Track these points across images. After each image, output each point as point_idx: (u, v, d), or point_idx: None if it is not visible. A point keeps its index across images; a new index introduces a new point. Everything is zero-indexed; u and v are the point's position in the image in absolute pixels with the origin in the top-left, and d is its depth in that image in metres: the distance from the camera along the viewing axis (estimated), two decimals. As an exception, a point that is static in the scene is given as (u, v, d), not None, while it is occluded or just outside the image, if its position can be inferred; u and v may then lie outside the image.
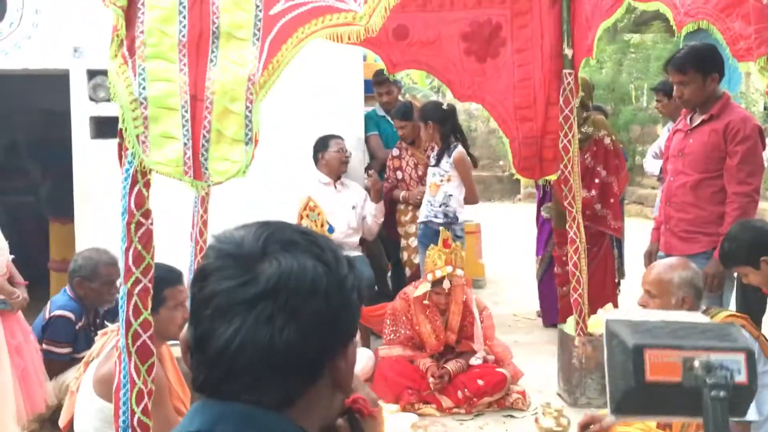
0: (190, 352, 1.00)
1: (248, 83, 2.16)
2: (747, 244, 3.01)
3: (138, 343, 2.15)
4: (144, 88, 2.11)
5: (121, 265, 2.18)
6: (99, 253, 3.62)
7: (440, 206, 4.76)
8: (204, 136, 2.16)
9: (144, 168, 2.12)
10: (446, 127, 4.81)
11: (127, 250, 2.14)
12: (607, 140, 4.99)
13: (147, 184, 2.14)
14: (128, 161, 2.13)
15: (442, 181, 4.77)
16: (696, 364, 1.37)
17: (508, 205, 13.91)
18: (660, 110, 5.67)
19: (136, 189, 2.13)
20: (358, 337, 4.07)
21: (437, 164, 4.79)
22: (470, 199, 4.94)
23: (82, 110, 5.04)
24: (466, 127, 15.57)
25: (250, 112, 2.17)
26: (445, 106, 5.01)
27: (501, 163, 14.79)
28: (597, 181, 4.90)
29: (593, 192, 4.84)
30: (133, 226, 2.13)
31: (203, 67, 2.16)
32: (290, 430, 0.94)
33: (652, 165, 5.64)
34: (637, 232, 6.04)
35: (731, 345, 1.51)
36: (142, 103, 2.11)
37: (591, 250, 4.56)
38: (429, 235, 4.60)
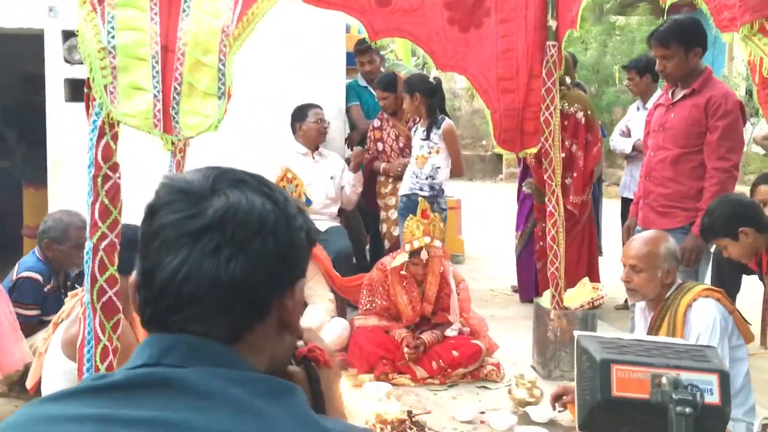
0: (138, 288, 0.99)
1: (222, 35, 2.10)
2: (726, 216, 3.02)
3: (103, 299, 2.09)
4: (113, 37, 2.04)
5: (88, 220, 2.12)
6: (70, 215, 3.54)
7: (426, 179, 4.74)
8: (175, 89, 2.09)
9: (112, 120, 2.06)
10: (433, 100, 4.77)
11: (93, 204, 2.08)
12: (580, 114, 4.97)
13: (115, 137, 2.08)
14: (95, 112, 2.06)
15: (430, 153, 4.74)
16: (664, 380, 1.34)
17: (489, 184, 13.92)
18: (631, 88, 5.66)
19: (103, 141, 2.06)
20: (323, 282, 3.95)
21: (427, 137, 4.74)
22: (457, 171, 4.92)
23: (56, 72, 4.92)
24: (449, 106, 15.52)
25: (223, 65, 2.11)
26: (431, 79, 4.97)
27: (484, 142, 14.78)
28: (563, 154, 4.87)
29: None
30: (99, 180, 2.07)
31: (175, 16, 2.09)
32: (238, 362, 0.94)
33: (619, 143, 5.63)
34: (616, 214, 6.03)
35: (704, 365, 1.47)
36: (110, 53, 2.04)
37: (566, 224, 4.54)
38: (411, 207, 4.55)
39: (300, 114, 4.99)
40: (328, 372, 1.16)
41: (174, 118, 2.10)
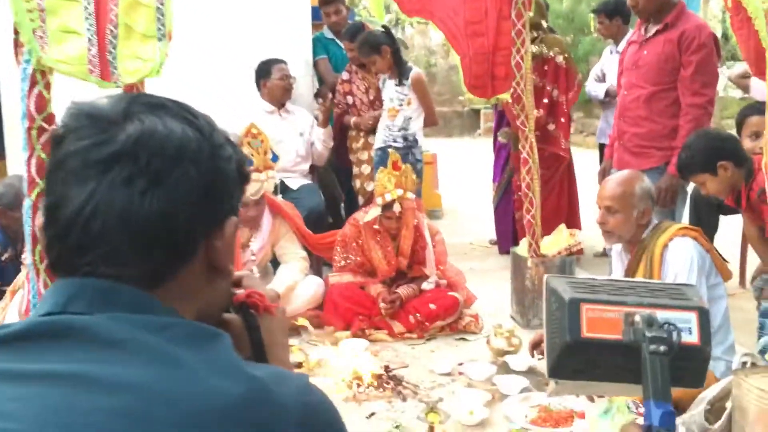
0: (43, 227, 0.87)
1: (158, -28, 1.95)
2: (704, 150, 2.94)
3: (47, 260, 1.96)
4: (39, -24, 1.88)
5: (25, 176, 1.99)
6: (22, 180, 3.37)
7: (399, 130, 4.66)
8: (111, 32, 1.94)
9: (43, 67, 1.91)
10: (395, 46, 4.67)
11: (30, 158, 1.95)
12: (560, 58, 4.85)
13: (48, 86, 1.93)
14: (25, 60, 1.92)
15: (401, 105, 4.64)
16: (637, 318, 1.24)
17: (468, 140, 13.79)
18: (602, 32, 5.53)
19: (35, 91, 1.91)
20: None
21: (400, 83, 4.63)
22: (430, 120, 4.82)
23: (5, 34, 4.69)
24: (425, 63, 15.31)
25: (162, 4, 1.96)
26: (380, 28, 4.85)
27: (461, 98, 14.60)
28: (546, 100, 4.78)
29: (541, 111, 4.71)
30: (34, 132, 1.93)
31: (106, -48, 1.93)
32: (155, 307, 0.84)
33: (595, 88, 5.52)
34: (595, 163, 5.94)
35: (682, 303, 1.36)
36: (37, -6, 1.88)
37: (545, 173, 4.46)
38: (386, 160, 4.43)
39: (264, 70, 4.81)
40: (269, 319, 1.06)
41: (112, 63, 1.96)
